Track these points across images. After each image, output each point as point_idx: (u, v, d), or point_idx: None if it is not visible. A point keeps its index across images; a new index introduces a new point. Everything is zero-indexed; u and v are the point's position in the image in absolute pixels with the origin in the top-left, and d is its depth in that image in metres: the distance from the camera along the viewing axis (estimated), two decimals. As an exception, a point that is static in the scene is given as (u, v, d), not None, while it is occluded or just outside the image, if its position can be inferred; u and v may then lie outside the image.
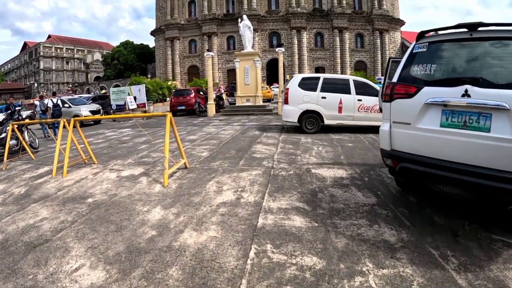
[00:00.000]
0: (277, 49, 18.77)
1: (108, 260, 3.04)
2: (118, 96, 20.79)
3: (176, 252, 3.14)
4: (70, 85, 77.30)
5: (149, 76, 50.96)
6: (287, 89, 11.00)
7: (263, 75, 45.97)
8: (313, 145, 8.78)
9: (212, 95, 18.78)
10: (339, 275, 2.69)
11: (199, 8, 50.96)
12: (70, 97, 22.94)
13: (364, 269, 2.76)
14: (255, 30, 46.50)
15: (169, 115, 6.02)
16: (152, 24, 52.63)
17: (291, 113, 10.86)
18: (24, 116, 12.11)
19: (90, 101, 23.84)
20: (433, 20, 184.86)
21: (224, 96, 28.97)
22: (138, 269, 2.88)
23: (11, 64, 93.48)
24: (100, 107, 19.34)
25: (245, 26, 19.24)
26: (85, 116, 17.29)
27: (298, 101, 10.66)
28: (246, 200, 4.51)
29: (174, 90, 23.05)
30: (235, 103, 19.84)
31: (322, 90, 10.66)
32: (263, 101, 21.47)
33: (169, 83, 44.41)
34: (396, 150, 3.55)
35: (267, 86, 31.49)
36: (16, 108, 11.99)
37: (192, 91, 20.91)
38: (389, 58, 4.71)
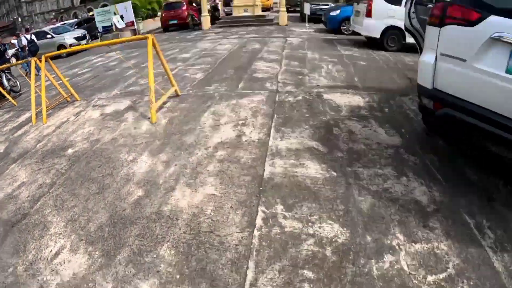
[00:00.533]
0: None
1: (90, 238, 2.56)
2: (104, 17, 18.77)
3: (167, 221, 2.63)
4: (54, 13, 71.26)
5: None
6: (371, 1, 9.76)
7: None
8: (321, 62, 7.83)
9: (206, 6, 16.83)
10: (366, 252, 2.19)
11: None
12: (52, 26, 20.76)
13: (394, 243, 2.25)
14: None
15: (151, 37, 5.05)
16: None
17: (373, 28, 9.72)
18: (9, 55, 10.99)
19: (75, 27, 21.90)
20: None
21: (220, 6, 26.46)
22: (124, 249, 2.39)
23: None
24: (86, 32, 17.72)
25: None
26: (70, 45, 16.11)
27: (383, 15, 9.50)
28: (249, 138, 3.88)
29: (164, 3, 20.77)
30: (231, 14, 17.98)
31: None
32: (262, 10, 19.49)
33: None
34: (440, 91, 2.74)
35: (267, -7, 28.49)
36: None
37: (184, 3, 18.76)
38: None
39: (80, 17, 45.63)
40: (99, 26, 18.93)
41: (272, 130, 4.05)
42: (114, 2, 21.18)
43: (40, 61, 5.68)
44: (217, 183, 3.06)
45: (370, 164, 3.18)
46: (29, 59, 7.24)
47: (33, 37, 13.46)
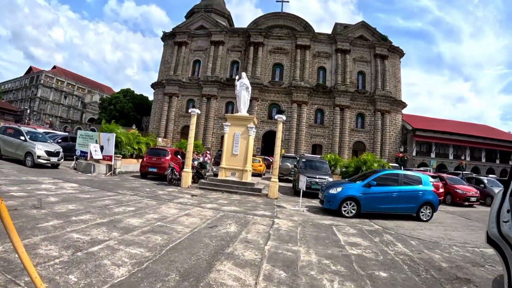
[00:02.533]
0: (276, 116, 15.58)
1: None
2: (85, 141, 17.35)
3: None
4: (50, 119, 73.99)
5: (139, 129, 48.07)
6: None
7: (257, 147, 43.25)
8: (322, 274, 5.00)
9: (189, 161, 15.13)
10: None
11: (203, 69, 49.61)
12: (31, 129, 19.19)
13: None
14: (255, 99, 45.01)
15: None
16: (156, 78, 51.33)
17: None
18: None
19: (59, 140, 20.48)
20: (426, 106, 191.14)
21: (210, 164, 25.40)
22: None
23: (12, 84, 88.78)
24: (61, 149, 15.82)
25: (243, 85, 16.32)
26: (38, 156, 14.48)
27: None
28: None
29: (148, 148, 19.40)
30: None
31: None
32: (253, 174, 17.84)
33: (159, 139, 41.34)
34: None
35: (260, 159, 28.09)
36: None
37: (169, 152, 17.31)
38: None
39: (72, 132, 45.21)
40: (78, 149, 17.57)
41: None
42: (100, 130, 19.88)
43: None
44: None
45: None
46: None
47: None
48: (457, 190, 18.29)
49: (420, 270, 5.69)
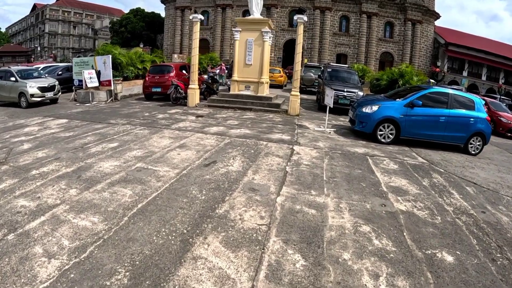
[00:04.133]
0: (296, 17, 12.58)
1: None
2: (81, 69, 15.11)
3: None
4: (53, 52, 71.59)
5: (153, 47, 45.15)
6: None
7: (278, 56, 39.66)
8: (361, 256, 3.14)
9: (195, 74, 12.87)
10: None
11: (216, -24, 43.94)
12: (21, 67, 17.19)
13: None
14: (274, 5, 40.06)
15: None
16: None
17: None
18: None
19: (60, 72, 18.42)
20: (458, 21, 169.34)
21: (225, 77, 22.94)
22: None
23: (18, 26, 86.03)
24: (56, 83, 13.97)
25: (253, -19, 13.10)
26: (31, 95, 12.71)
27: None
28: None
29: (151, 66, 16.98)
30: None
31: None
32: (272, 86, 15.42)
33: (175, 55, 38.57)
34: None
35: (280, 69, 25.23)
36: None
37: (173, 67, 14.95)
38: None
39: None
40: (75, 78, 15.38)
41: None
42: (96, 53, 17.83)
43: None
44: None
45: None
46: None
47: None
48: (501, 119, 15.05)
49: (492, 247, 3.77)
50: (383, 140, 8.71)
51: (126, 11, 74.07)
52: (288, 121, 10.72)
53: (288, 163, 6.14)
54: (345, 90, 13.33)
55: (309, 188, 4.99)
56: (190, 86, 12.98)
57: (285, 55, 41.24)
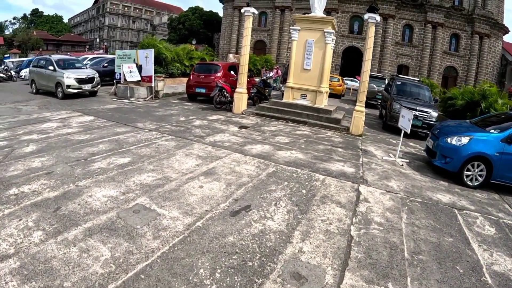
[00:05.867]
0: (366, 16, 10.33)
1: None
2: (123, 62, 14.19)
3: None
4: (105, 43, 74.09)
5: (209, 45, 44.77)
6: None
7: (336, 63, 37.11)
8: None
9: (244, 78, 11.19)
10: None
11: (278, -21, 42.40)
12: (63, 56, 16.74)
13: None
14: (334, 10, 37.65)
15: None
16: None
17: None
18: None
19: (105, 64, 17.79)
20: None
21: (278, 82, 21.15)
22: None
23: (80, 17, 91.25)
24: (96, 75, 13.16)
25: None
26: (68, 86, 12.06)
27: None
28: None
29: (196, 64, 15.54)
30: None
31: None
32: (330, 95, 13.24)
33: (230, 55, 37.57)
34: None
35: (339, 78, 22.92)
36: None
37: (221, 67, 13.42)
38: None
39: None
40: (116, 71, 14.46)
41: None
42: (139, 46, 16.91)
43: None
44: None
45: None
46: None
47: None
48: None
49: None
50: (469, 183, 6.39)
51: (185, 9, 75.50)
52: (350, 143, 8.66)
53: (354, 219, 4.18)
54: (417, 109, 10.88)
55: (385, 278, 3.03)
56: (237, 89, 11.34)
57: (344, 63, 38.69)
